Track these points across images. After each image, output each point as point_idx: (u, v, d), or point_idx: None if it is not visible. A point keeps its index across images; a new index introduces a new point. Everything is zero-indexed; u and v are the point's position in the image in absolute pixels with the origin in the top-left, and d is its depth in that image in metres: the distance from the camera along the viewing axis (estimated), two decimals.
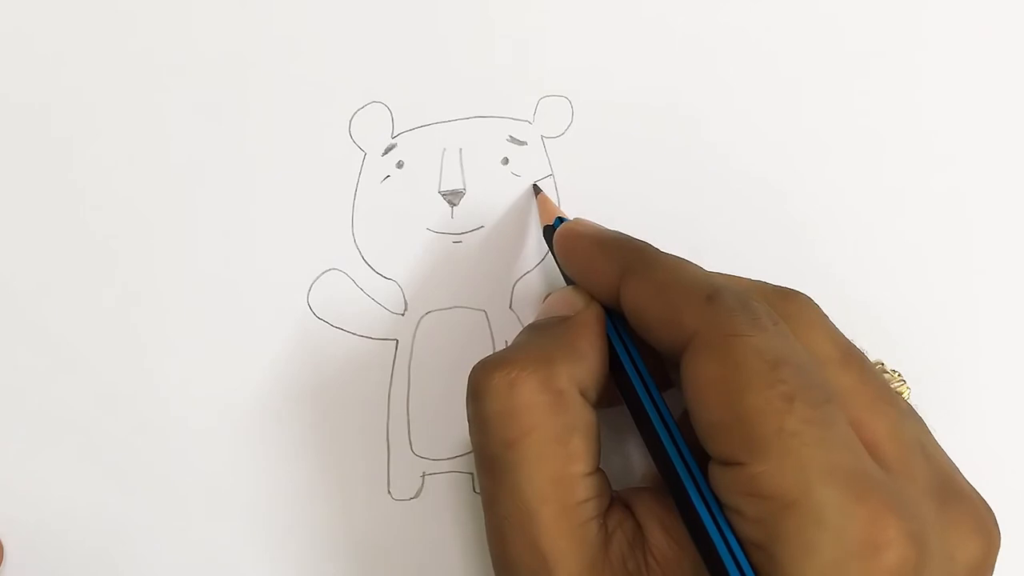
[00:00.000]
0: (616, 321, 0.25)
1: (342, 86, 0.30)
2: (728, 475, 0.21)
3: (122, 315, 0.29)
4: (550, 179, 0.30)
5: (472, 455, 0.29)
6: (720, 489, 0.21)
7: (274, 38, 0.30)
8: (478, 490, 0.29)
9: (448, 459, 0.29)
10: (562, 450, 0.22)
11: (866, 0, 0.31)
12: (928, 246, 0.31)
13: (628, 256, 0.24)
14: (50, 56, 0.30)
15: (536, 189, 0.30)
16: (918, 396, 0.30)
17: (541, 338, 0.24)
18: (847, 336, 0.24)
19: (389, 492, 0.29)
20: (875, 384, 0.23)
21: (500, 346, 0.30)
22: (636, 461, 0.29)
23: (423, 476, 0.29)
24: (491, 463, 0.23)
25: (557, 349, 0.24)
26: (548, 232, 0.27)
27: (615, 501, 0.24)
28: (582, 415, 0.23)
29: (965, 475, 0.23)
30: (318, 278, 0.30)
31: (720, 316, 0.21)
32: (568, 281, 0.27)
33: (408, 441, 0.29)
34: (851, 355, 0.23)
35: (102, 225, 0.30)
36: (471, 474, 0.29)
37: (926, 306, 0.31)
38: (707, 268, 0.24)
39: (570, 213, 0.30)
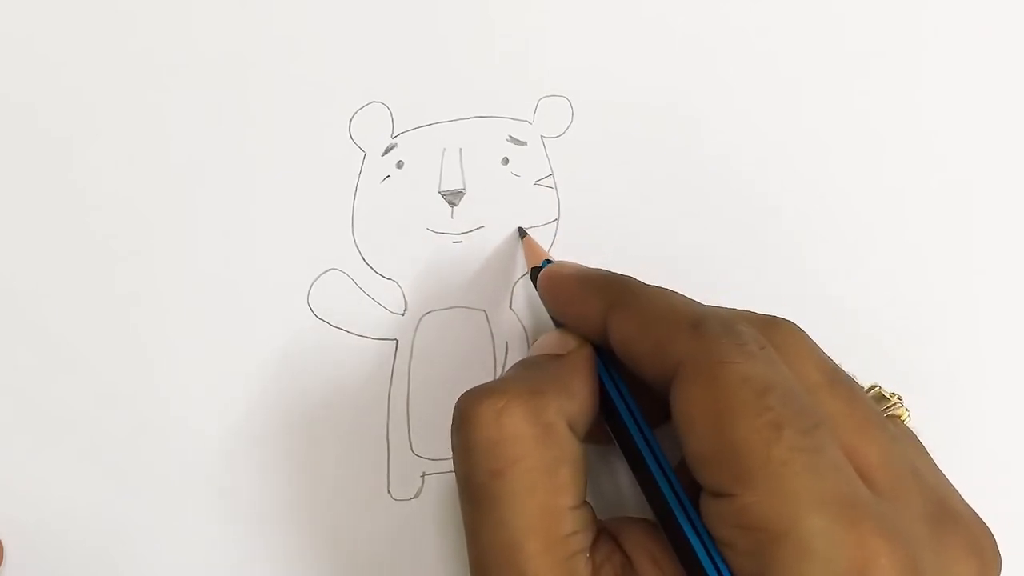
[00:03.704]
0: (607, 360, 0.25)
1: (342, 86, 0.30)
2: (719, 507, 0.20)
3: (122, 315, 0.29)
4: (550, 179, 0.30)
5: None
6: (711, 522, 0.21)
7: (274, 38, 0.30)
8: None
9: (448, 459, 0.29)
10: (549, 482, 0.22)
11: (866, 0, 0.31)
12: (928, 246, 0.31)
13: (612, 291, 0.24)
14: (50, 56, 0.30)
15: (521, 232, 0.30)
16: (918, 397, 0.30)
17: (532, 372, 0.24)
18: (834, 357, 0.23)
19: (389, 492, 0.29)
20: (864, 409, 0.23)
21: (500, 346, 0.30)
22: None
23: (423, 476, 0.29)
24: (475, 493, 0.22)
25: (547, 383, 0.23)
26: (535, 274, 0.28)
27: (602, 533, 0.24)
28: (570, 448, 0.23)
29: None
30: (318, 278, 0.30)
31: (706, 343, 0.21)
32: (556, 324, 0.27)
33: (408, 441, 0.29)
34: (838, 380, 0.23)
35: (102, 225, 0.30)
36: None
37: (926, 306, 0.31)
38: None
39: (570, 213, 0.30)
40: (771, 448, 0.20)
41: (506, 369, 0.30)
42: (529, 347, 0.30)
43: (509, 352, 0.30)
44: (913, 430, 0.25)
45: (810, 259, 0.31)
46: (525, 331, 0.30)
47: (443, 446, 0.29)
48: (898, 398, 0.28)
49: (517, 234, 0.30)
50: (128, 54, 0.30)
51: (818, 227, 0.31)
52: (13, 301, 0.30)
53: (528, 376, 0.24)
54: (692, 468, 0.21)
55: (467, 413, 0.23)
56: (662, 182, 0.30)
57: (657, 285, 0.24)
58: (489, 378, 0.29)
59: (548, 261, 0.28)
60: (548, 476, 0.22)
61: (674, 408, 0.22)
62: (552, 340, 0.26)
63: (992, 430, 0.30)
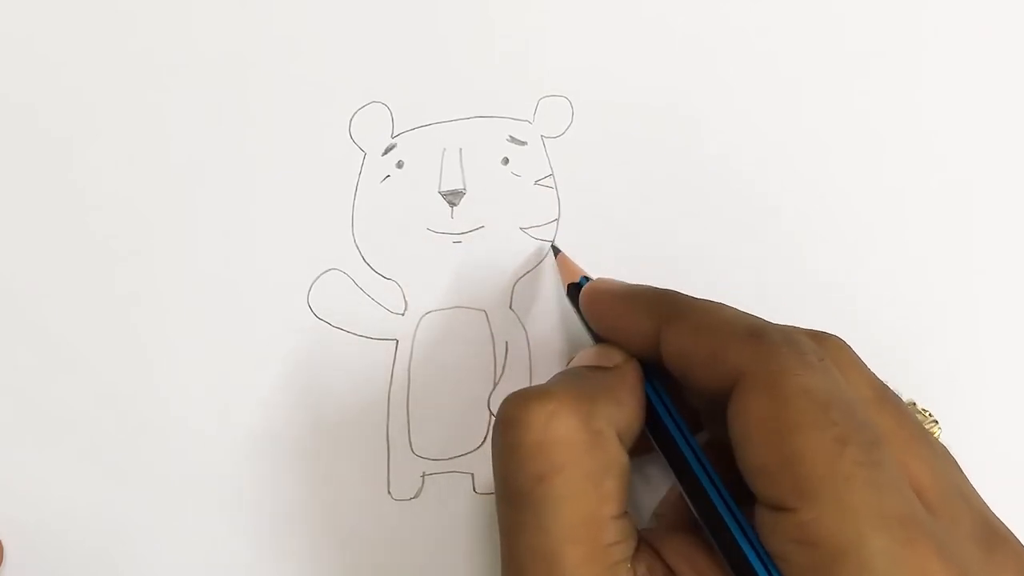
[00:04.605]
0: (652, 374, 0.25)
1: (342, 86, 0.30)
2: (776, 521, 0.20)
3: (122, 315, 0.29)
4: (550, 179, 0.30)
5: (471, 456, 0.29)
6: (766, 535, 0.21)
7: (274, 38, 0.30)
8: (479, 490, 0.29)
9: (448, 459, 0.29)
10: (595, 490, 0.22)
11: (866, 0, 0.31)
12: (928, 246, 0.31)
13: (662, 305, 0.24)
14: (50, 56, 0.30)
15: (555, 250, 0.30)
16: (918, 397, 0.30)
17: (580, 380, 0.24)
18: (879, 374, 0.23)
19: (389, 492, 0.29)
20: (911, 426, 0.22)
21: (500, 346, 0.30)
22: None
23: (423, 476, 0.29)
24: (517, 496, 0.22)
25: (597, 392, 0.23)
26: (572, 291, 0.27)
27: (641, 544, 0.23)
28: (617, 457, 0.22)
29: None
30: (318, 278, 0.30)
31: (767, 353, 0.21)
32: (595, 338, 0.26)
33: (408, 441, 0.29)
34: (886, 397, 0.23)
35: (102, 225, 0.30)
36: (471, 474, 0.29)
37: (926, 306, 0.31)
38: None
39: (570, 213, 0.30)
40: (835, 463, 0.20)
41: (506, 369, 0.30)
42: (529, 347, 0.30)
43: (509, 352, 0.30)
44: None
45: (810, 259, 0.31)
46: (525, 331, 0.30)
47: (443, 446, 0.29)
48: (930, 414, 0.28)
49: (517, 232, 0.30)
50: (128, 54, 0.30)
51: (818, 227, 0.31)
52: (13, 301, 0.30)
53: (577, 383, 0.23)
54: (748, 479, 0.21)
55: (514, 415, 0.22)
56: (662, 182, 0.30)
57: (706, 298, 0.24)
58: (489, 378, 0.29)
59: (586, 278, 0.27)
60: (594, 484, 0.22)
61: (732, 418, 0.21)
62: (594, 354, 0.25)
63: (992, 430, 0.30)
